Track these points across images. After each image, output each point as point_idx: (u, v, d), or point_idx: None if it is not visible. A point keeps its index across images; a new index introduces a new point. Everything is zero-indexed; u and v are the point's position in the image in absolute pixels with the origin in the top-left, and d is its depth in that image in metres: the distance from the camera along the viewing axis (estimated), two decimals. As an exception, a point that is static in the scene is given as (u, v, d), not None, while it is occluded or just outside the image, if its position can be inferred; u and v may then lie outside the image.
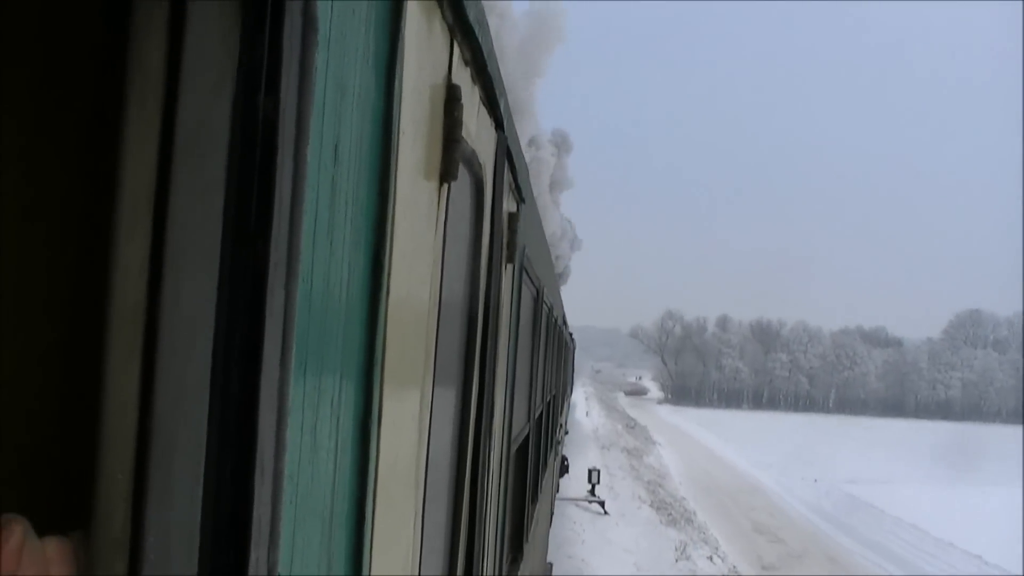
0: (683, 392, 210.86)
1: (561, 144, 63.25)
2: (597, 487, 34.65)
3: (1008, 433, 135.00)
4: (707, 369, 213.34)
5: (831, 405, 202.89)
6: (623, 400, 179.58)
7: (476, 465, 3.27)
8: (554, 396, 14.40)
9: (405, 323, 1.98)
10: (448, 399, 2.80)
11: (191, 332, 1.14)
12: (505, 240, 3.89)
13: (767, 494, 55.14)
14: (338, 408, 1.53)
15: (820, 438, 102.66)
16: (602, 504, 33.77)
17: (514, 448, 5.67)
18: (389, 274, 1.79)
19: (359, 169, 1.61)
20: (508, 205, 4.03)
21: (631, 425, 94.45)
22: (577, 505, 33.08)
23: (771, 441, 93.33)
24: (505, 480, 4.91)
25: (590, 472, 34.48)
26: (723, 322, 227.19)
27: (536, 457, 9.32)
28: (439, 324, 2.36)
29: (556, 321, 12.51)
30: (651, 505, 39.00)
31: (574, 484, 34.99)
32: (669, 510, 39.38)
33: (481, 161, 2.99)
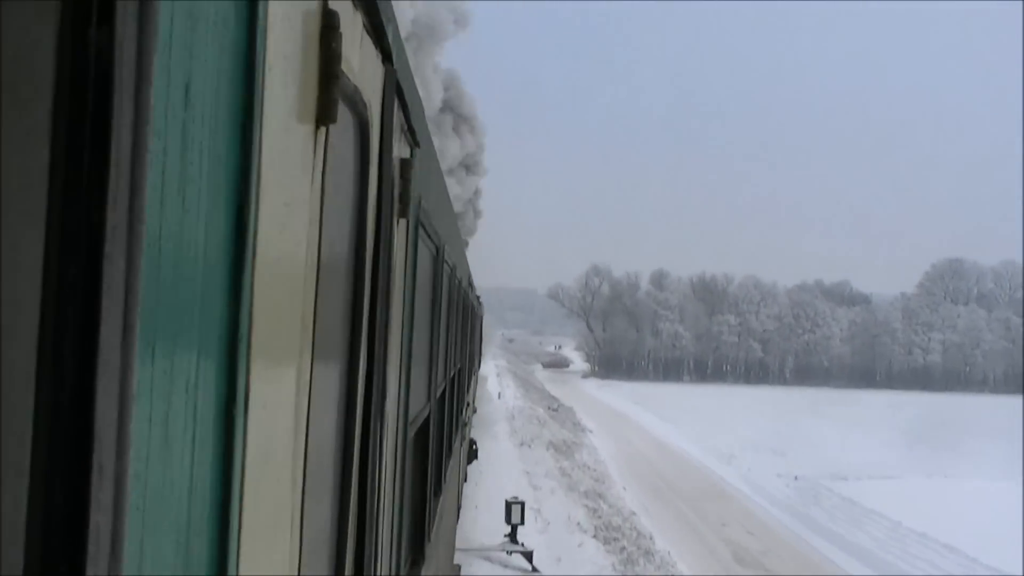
0: (612, 363, 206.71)
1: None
2: (521, 527, 27.32)
3: (1003, 404, 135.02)
4: (640, 335, 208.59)
5: (788, 375, 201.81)
6: (542, 374, 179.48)
7: (366, 454, 3.25)
8: (459, 370, 14.43)
9: (277, 291, 1.97)
10: (331, 377, 2.78)
11: (13, 310, 1.09)
12: (397, 191, 3.89)
13: (737, 499, 51.66)
14: (195, 394, 1.52)
15: (782, 417, 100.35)
16: (529, 557, 26.44)
17: (412, 432, 5.64)
18: (255, 235, 1.78)
19: (216, 112, 1.59)
20: (400, 150, 3.99)
21: (554, 408, 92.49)
22: (489, 559, 25.94)
23: (725, 422, 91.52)
24: (402, 470, 4.87)
25: (509, 507, 27.06)
26: (659, 279, 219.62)
27: (439, 442, 9.29)
28: (318, 291, 2.35)
29: (460, 283, 12.61)
30: (595, 535, 34.50)
31: (483, 518, 29.05)
32: (619, 539, 35.43)
33: (366, 99, 2.96)
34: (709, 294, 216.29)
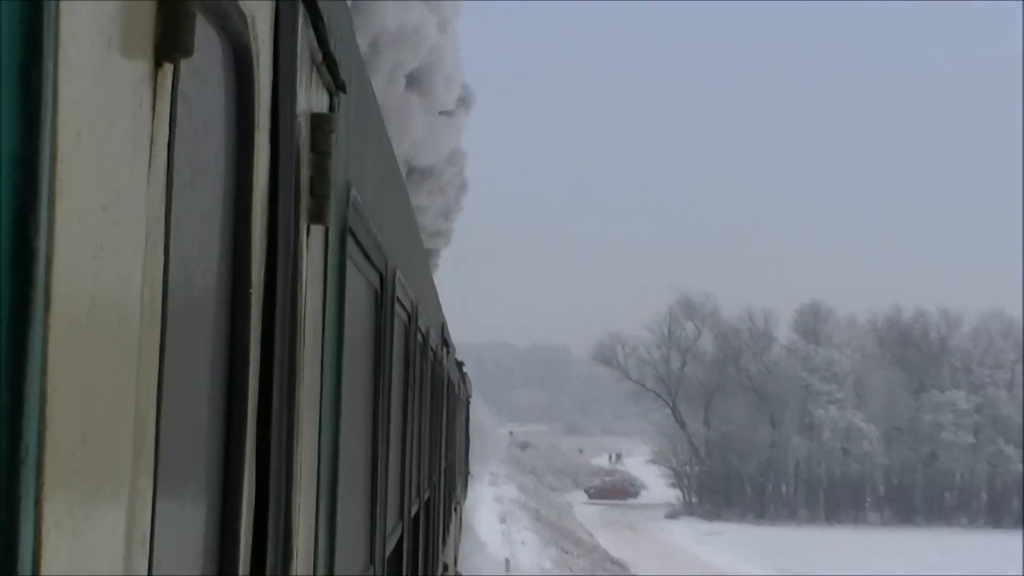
0: (724, 488, 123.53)
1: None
2: None
3: None
4: (779, 431, 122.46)
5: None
6: (587, 512, 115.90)
7: None
8: (426, 503, 9.42)
9: (87, 360, 1.29)
10: (189, 519, 1.99)
11: None
12: (306, 173, 2.77)
13: None
14: None
15: None
16: None
17: None
18: (48, 259, 1.14)
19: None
20: (310, 99, 2.89)
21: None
22: None
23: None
24: None
25: None
26: (810, 319, 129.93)
27: None
28: (163, 358, 1.58)
29: (425, 340, 8.49)
30: None
31: None
32: None
33: (246, 12, 2.01)
34: (908, 348, 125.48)
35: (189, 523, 1.96)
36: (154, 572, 1.56)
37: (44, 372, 1.13)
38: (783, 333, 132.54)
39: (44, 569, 1.14)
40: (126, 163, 1.40)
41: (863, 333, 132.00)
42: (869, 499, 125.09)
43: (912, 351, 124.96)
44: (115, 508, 1.39)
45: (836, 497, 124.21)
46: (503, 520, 71.62)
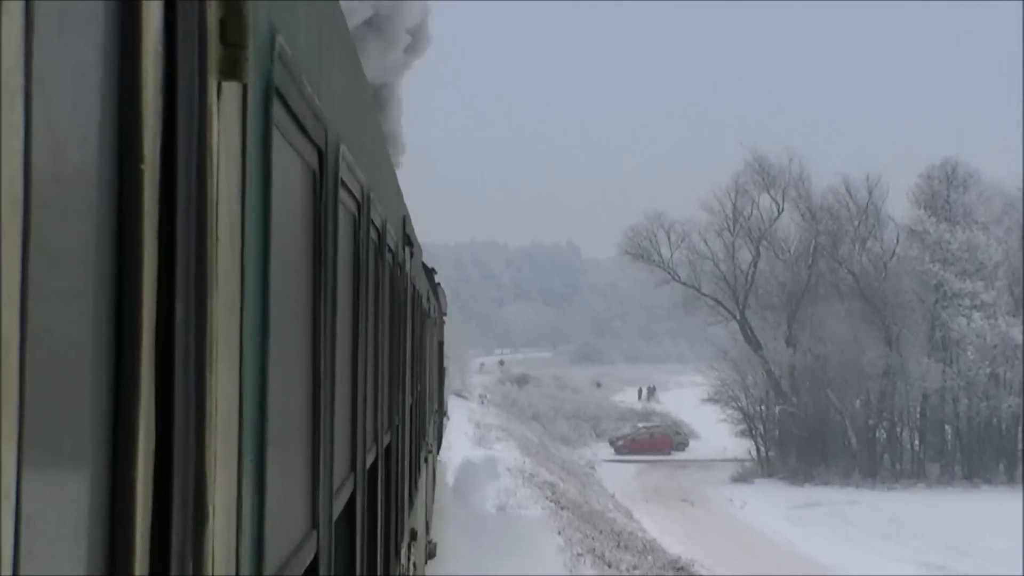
0: (814, 437, 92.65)
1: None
2: None
3: None
4: (901, 350, 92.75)
5: None
6: (616, 476, 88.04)
7: None
8: (388, 448, 8.80)
9: None
10: (62, 491, 1.73)
11: None
12: (214, 14, 2.48)
13: None
14: None
15: None
16: None
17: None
18: None
19: None
20: None
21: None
22: None
23: None
24: None
25: None
26: (941, 185, 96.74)
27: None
28: (27, 253, 1.39)
29: (382, 235, 7.75)
30: None
31: None
32: None
33: None
34: None
35: (67, 476, 1.71)
36: (22, 545, 1.39)
37: None
38: (902, 210, 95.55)
39: None
40: None
41: (1019, 205, 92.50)
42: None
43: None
44: None
45: (984, 447, 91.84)
46: (501, 508, 46.92)
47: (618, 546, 51.38)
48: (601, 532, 53.17)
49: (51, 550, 1.52)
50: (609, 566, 45.43)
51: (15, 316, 1.26)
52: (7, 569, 1.26)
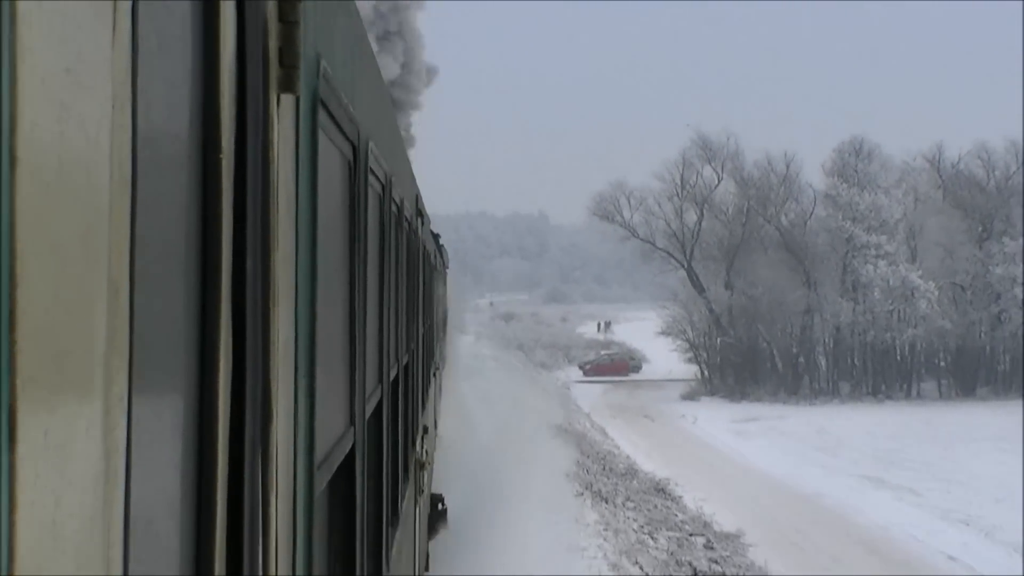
0: (747, 361, 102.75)
1: None
2: None
3: None
4: (815, 291, 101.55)
5: None
6: (586, 394, 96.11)
7: (239, 518, 2.33)
8: (407, 365, 9.54)
9: (56, 238, 1.28)
10: (167, 394, 2.01)
11: None
12: (274, 42, 2.80)
13: None
14: None
15: None
16: None
17: (324, 479, 3.96)
18: (13, 106, 1.16)
19: None
20: None
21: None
22: None
23: None
24: (306, 545, 3.36)
25: None
26: (850, 158, 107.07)
27: (374, 496, 6.73)
28: (135, 235, 1.56)
29: (401, 211, 8.60)
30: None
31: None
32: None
33: None
34: (971, 190, 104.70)
35: (167, 388, 1.97)
36: (132, 438, 1.55)
37: (12, 229, 1.13)
38: (819, 179, 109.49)
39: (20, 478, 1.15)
40: (88, 25, 1.38)
41: (915, 173, 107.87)
42: (931, 370, 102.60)
43: (976, 193, 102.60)
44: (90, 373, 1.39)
45: (887, 369, 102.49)
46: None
47: (603, 469, 51.03)
48: (588, 457, 53.20)
49: (154, 441, 1.83)
50: (606, 502, 42.98)
51: (125, 264, 1.50)
52: (120, 460, 1.49)
